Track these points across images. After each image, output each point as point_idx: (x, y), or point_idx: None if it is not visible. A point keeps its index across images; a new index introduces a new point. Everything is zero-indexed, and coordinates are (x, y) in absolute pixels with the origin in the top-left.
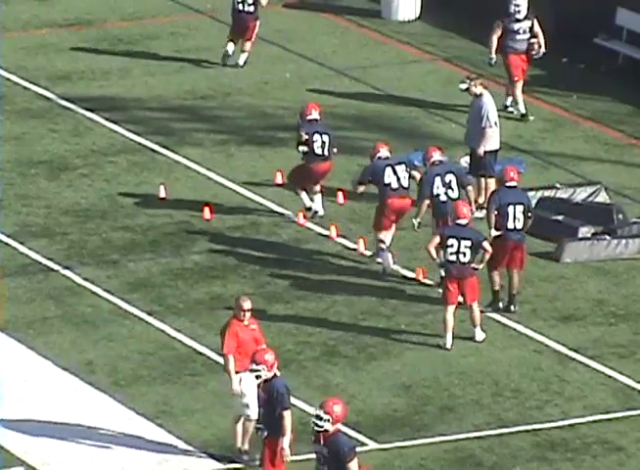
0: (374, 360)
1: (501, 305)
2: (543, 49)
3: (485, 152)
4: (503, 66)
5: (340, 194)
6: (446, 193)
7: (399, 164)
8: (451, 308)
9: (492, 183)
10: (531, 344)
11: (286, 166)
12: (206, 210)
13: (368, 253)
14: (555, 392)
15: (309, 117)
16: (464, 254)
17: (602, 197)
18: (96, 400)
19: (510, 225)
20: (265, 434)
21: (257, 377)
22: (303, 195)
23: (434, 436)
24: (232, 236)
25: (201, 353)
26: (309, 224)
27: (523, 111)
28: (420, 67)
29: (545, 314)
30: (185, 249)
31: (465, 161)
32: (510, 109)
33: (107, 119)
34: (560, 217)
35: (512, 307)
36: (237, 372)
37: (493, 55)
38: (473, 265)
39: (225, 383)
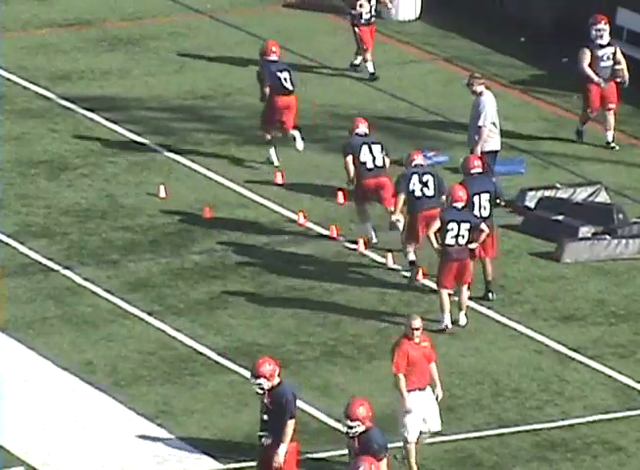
0: (374, 360)
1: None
2: (627, 77)
3: (484, 152)
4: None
5: (340, 194)
6: (422, 190)
7: (376, 143)
8: (445, 292)
9: None
10: (532, 344)
11: (286, 166)
12: (206, 210)
13: (368, 253)
14: (555, 392)
15: (268, 58)
16: (463, 236)
17: (602, 197)
18: (96, 401)
19: (476, 214)
20: (269, 441)
21: (261, 389)
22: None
23: (434, 436)
24: (232, 236)
25: (201, 353)
26: (309, 224)
27: (609, 139)
28: (420, 67)
29: (545, 314)
30: (185, 249)
31: None
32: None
33: (107, 119)
34: (560, 217)
35: (490, 295)
36: (407, 391)
37: (597, 79)
38: (469, 246)
39: (225, 383)
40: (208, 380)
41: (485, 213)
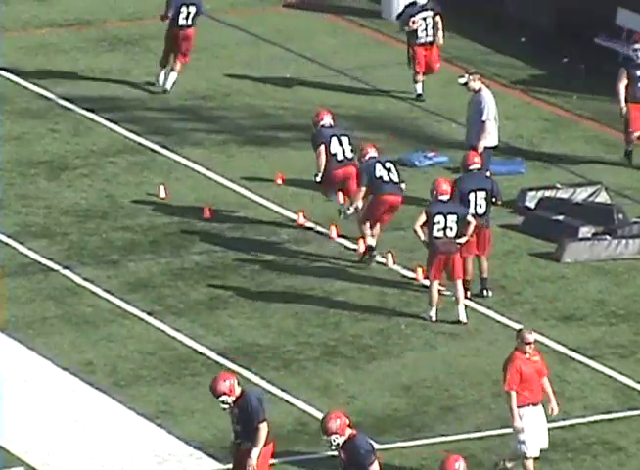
0: (374, 360)
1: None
2: None
3: (484, 148)
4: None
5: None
6: (388, 175)
7: (344, 135)
8: (435, 283)
9: None
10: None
11: (286, 166)
12: (206, 210)
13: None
14: (555, 392)
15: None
16: (451, 228)
17: (602, 197)
18: (96, 401)
19: (471, 211)
20: (248, 444)
21: (226, 405)
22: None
23: (434, 436)
24: (232, 236)
25: (201, 353)
26: (309, 224)
27: None
28: None
29: (545, 314)
30: (185, 249)
31: None
32: None
33: (107, 119)
34: (560, 217)
35: (485, 292)
36: (520, 407)
37: (623, 104)
38: (457, 240)
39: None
40: (208, 380)
41: (481, 211)
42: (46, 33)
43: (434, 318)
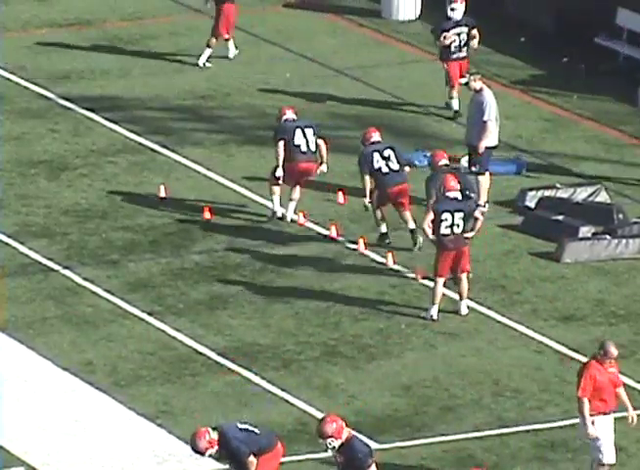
0: (374, 360)
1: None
2: None
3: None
4: None
5: (340, 194)
6: (387, 165)
7: (309, 126)
8: (441, 281)
9: (483, 180)
10: (532, 344)
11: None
12: (206, 210)
13: (368, 253)
14: (555, 392)
15: None
16: (458, 225)
17: (602, 197)
18: (96, 401)
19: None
20: None
21: (214, 454)
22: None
23: (434, 436)
24: (232, 236)
25: (201, 353)
26: (309, 224)
27: None
28: (420, 67)
29: (545, 314)
30: (185, 249)
31: (465, 161)
32: None
33: (107, 119)
34: (560, 217)
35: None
36: (591, 415)
37: None
38: (465, 235)
39: (225, 383)
40: (208, 380)
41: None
42: (46, 33)
43: (435, 317)
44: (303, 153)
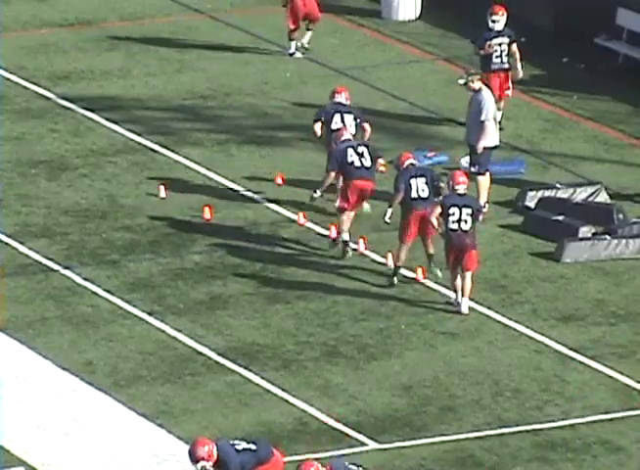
0: (374, 360)
1: (396, 279)
2: None
3: (484, 148)
4: None
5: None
6: (360, 161)
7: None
8: (453, 274)
9: (483, 180)
10: (532, 344)
11: (286, 167)
12: (206, 210)
13: (368, 253)
14: (555, 392)
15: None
16: (465, 221)
17: (602, 197)
18: (96, 401)
19: (414, 195)
20: None
21: (205, 466)
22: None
23: (434, 436)
24: (232, 236)
25: (201, 353)
26: (309, 224)
27: None
28: (420, 67)
29: (545, 314)
30: (185, 249)
31: (465, 161)
32: None
33: (107, 119)
34: (560, 217)
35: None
36: None
37: None
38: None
39: (225, 383)
40: (208, 380)
41: (424, 195)
42: (46, 33)
43: (460, 299)
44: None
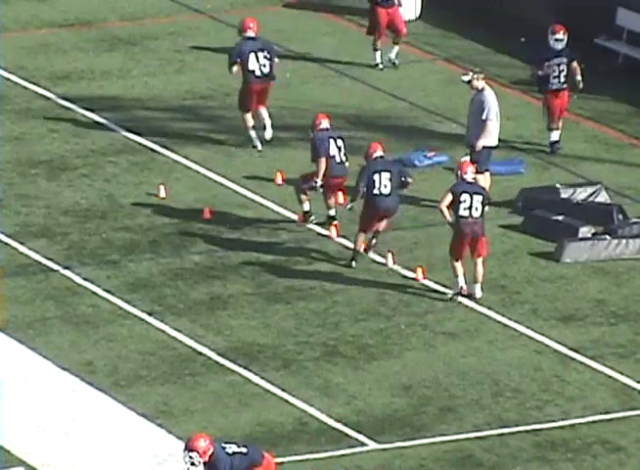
0: (374, 360)
1: (354, 263)
2: None
3: (483, 147)
4: None
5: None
6: (339, 155)
7: (262, 50)
8: (458, 264)
9: (483, 179)
10: (532, 344)
11: (286, 166)
12: (206, 210)
13: (373, 255)
14: (555, 392)
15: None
16: (476, 208)
17: (602, 197)
18: (96, 401)
19: (376, 191)
20: None
21: (191, 465)
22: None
23: (434, 436)
24: (232, 236)
25: (201, 353)
26: (309, 224)
27: None
28: (420, 67)
29: (545, 314)
30: (185, 249)
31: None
32: None
33: (107, 119)
34: (560, 217)
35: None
36: None
37: None
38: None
39: (225, 383)
40: (208, 380)
41: (386, 191)
42: (46, 33)
43: (464, 286)
44: (257, 77)
